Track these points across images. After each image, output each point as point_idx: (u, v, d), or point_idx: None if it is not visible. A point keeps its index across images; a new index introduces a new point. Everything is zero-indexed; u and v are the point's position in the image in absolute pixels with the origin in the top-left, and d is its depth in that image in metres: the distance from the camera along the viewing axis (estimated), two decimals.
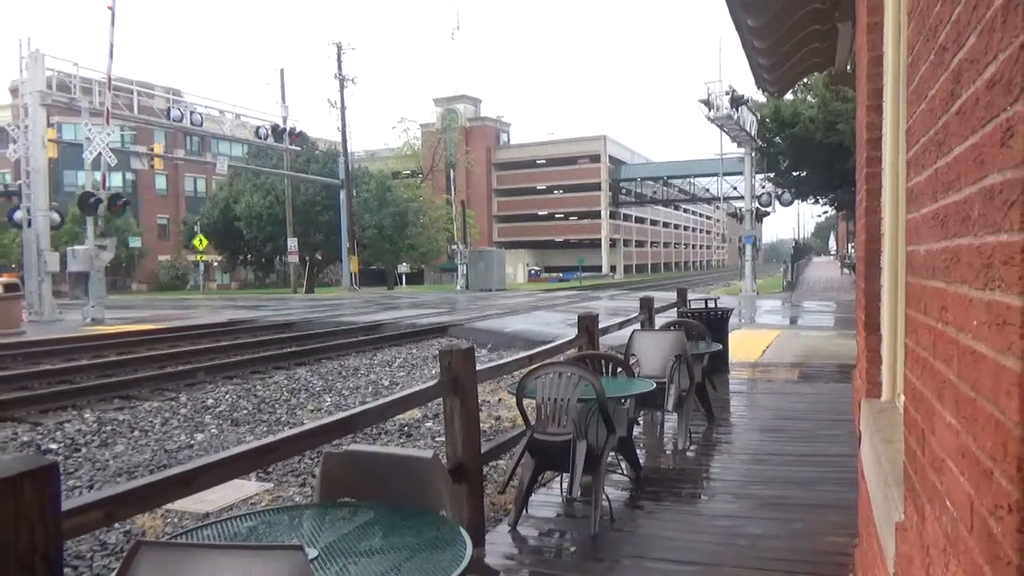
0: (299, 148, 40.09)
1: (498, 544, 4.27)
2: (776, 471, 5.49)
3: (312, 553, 2.19)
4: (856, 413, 3.42)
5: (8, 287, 18.64)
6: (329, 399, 9.56)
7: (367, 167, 52.09)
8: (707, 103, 24.49)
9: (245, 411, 8.86)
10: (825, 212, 42.01)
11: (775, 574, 3.70)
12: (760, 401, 8.22)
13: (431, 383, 4.24)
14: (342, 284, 43.20)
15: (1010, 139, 0.84)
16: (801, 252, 50.54)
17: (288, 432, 3.01)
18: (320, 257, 49.39)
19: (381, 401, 3.64)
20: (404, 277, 53.63)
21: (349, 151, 42.75)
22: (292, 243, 41.78)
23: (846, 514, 4.33)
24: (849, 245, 44.30)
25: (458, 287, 42.04)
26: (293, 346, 14.37)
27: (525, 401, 4.65)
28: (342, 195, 40.77)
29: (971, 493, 1.02)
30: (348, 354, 13.59)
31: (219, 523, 2.45)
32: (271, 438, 2.93)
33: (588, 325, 6.61)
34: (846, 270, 45.75)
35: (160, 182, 60.03)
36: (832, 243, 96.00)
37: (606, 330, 7.35)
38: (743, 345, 12.11)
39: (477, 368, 4.39)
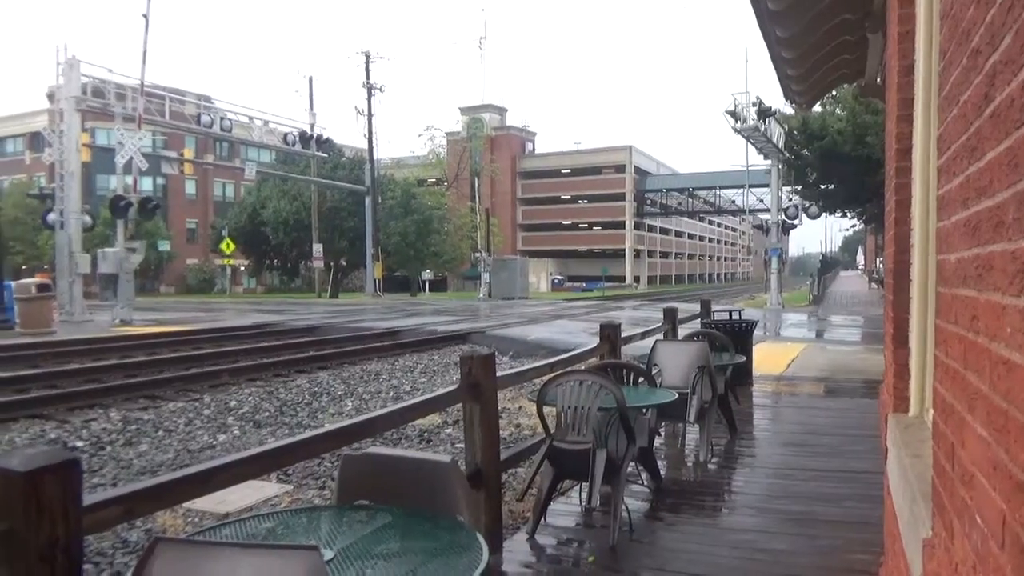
0: (326, 155, 40.53)
1: (515, 552, 4.25)
2: (800, 486, 5.40)
3: (328, 555, 2.19)
4: (883, 428, 3.35)
5: (40, 287, 18.97)
6: (350, 403, 9.60)
7: (392, 174, 52.48)
8: (733, 114, 24.34)
9: (267, 413, 8.92)
10: (853, 226, 41.52)
11: None
12: (784, 415, 8.10)
13: (451, 388, 4.23)
14: (366, 290, 43.43)
15: None
16: (828, 266, 49.96)
17: (307, 434, 3.02)
18: (345, 263, 49.79)
19: (401, 405, 3.65)
20: (427, 284, 53.83)
21: (375, 158, 43.10)
22: (317, 248, 42.16)
23: (871, 531, 4.24)
24: (877, 260, 43.71)
25: (481, 295, 42.10)
26: (315, 350, 14.46)
27: (545, 409, 4.62)
28: (367, 201, 41.07)
29: (1003, 508, 0.99)
30: (370, 359, 13.65)
31: (238, 522, 2.45)
32: (290, 439, 2.94)
33: (610, 334, 6.58)
34: (874, 284, 45.13)
35: (189, 187, 60.99)
36: (860, 257, 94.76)
37: (628, 339, 7.31)
38: (767, 358, 11.96)
39: (497, 375, 4.38)
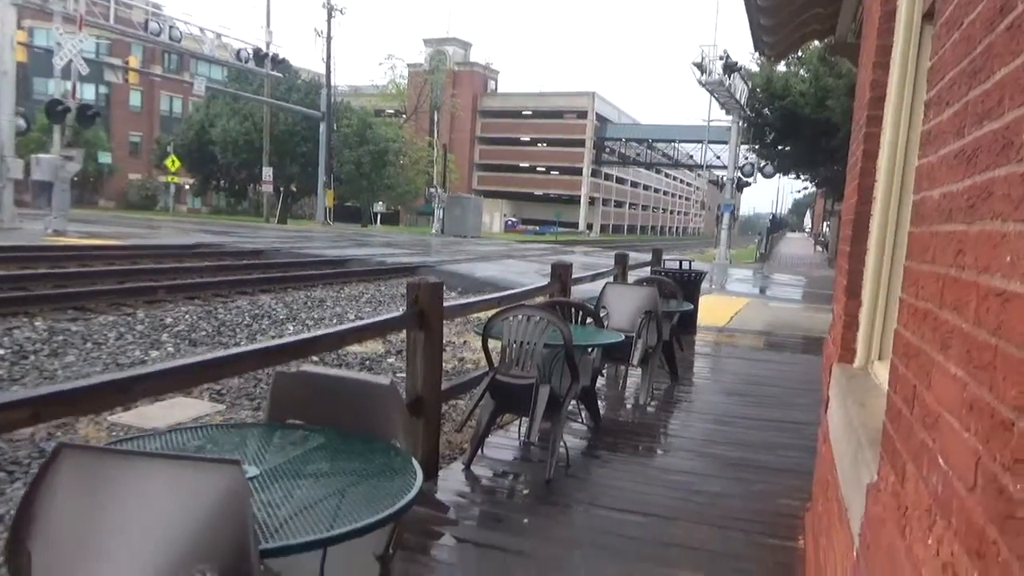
0: (281, 75, 38.96)
1: (450, 481, 4.22)
2: (737, 433, 5.49)
3: (253, 471, 2.08)
4: (825, 379, 3.37)
5: None
6: (292, 327, 9.39)
7: (349, 102, 50.91)
8: (700, 67, 24.10)
9: (204, 332, 8.67)
10: (805, 188, 42.16)
11: (731, 532, 3.69)
12: (725, 365, 8.24)
13: (397, 313, 4.11)
14: (316, 218, 42.57)
15: None
16: (777, 226, 50.86)
17: (240, 349, 2.87)
18: (295, 189, 48.54)
19: (343, 327, 3.51)
20: (379, 216, 52.97)
21: (332, 84, 41.66)
22: (267, 172, 40.90)
23: (802, 479, 4.33)
24: (824, 224, 44.64)
25: (433, 231, 41.69)
26: (259, 273, 14.09)
27: (491, 343, 4.55)
28: (322, 127, 39.86)
29: (978, 448, 0.92)
30: (315, 286, 13.36)
31: (158, 435, 2.32)
32: (221, 352, 2.79)
33: (561, 273, 6.51)
34: (819, 247, 46.20)
35: (134, 98, 58.04)
36: (808, 221, 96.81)
37: (579, 280, 7.26)
38: (712, 310, 12.13)
39: (444, 304, 4.27)
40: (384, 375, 7.19)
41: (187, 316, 9.66)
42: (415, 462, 2.19)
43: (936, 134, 1.42)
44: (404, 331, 4.22)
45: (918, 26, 2.68)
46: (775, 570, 3.30)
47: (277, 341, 3.11)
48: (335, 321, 10.04)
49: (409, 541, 3.42)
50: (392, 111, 61.26)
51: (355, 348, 8.09)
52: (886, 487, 1.49)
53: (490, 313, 4.79)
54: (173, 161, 42.12)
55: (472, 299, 5.49)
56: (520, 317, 4.42)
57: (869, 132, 2.96)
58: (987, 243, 0.99)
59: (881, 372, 2.66)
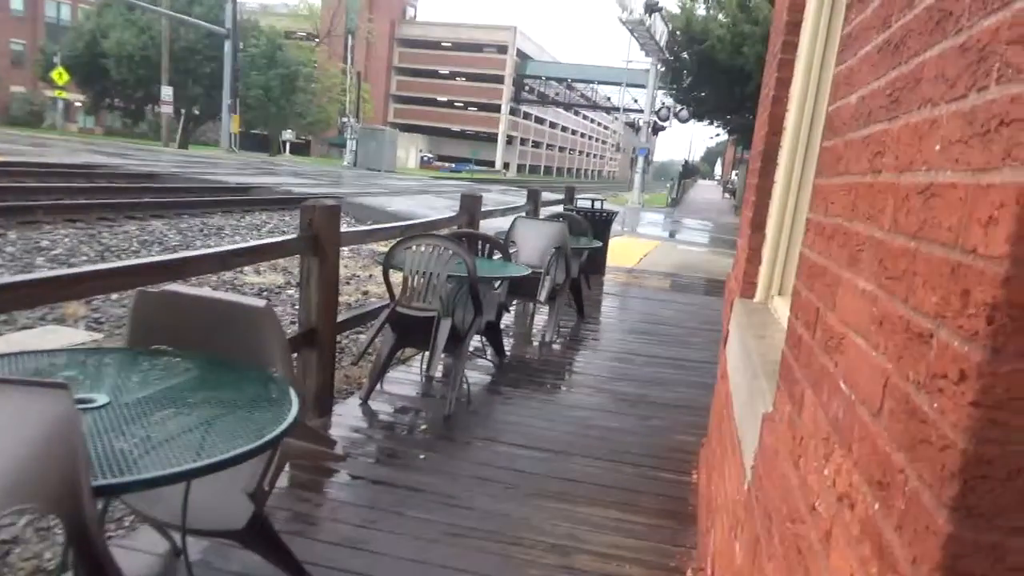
0: None
1: (345, 416, 4.04)
2: (638, 371, 5.52)
3: (103, 400, 1.84)
4: (726, 314, 3.34)
5: None
6: (180, 254, 8.84)
7: (258, 20, 47.98)
8: (622, 4, 23.86)
9: (85, 258, 8.02)
10: (718, 135, 42.92)
11: (625, 466, 3.69)
12: (631, 304, 8.31)
13: (289, 237, 3.83)
14: (220, 144, 40.32)
15: None
16: (689, 172, 51.85)
17: (103, 265, 2.56)
18: (198, 112, 45.70)
19: (224, 247, 3.22)
20: (288, 145, 50.80)
21: (238, 0, 39.03)
22: (166, 92, 38.27)
23: (699, 415, 4.39)
24: (733, 172, 45.77)
25: (345, 163, 40.36)
26: (152, 197, 13.18)
27: (394, 275, 4.34)
28: (227, 46, 37.42)
29: (887, 367, 0.81)
30: (213, 213, 12.63)
31: (2, 358, 2.04)
32: (83, 268, 2.49)
33: (470, 205, 6.32)
34: (727, 195, 47.48)
35: (15, 1, 52.89)
36: (719, 169, 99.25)
37: (489, 214, 7.10)
38: (622, 251, 12.23)
39: (342, 231, 4.01)
40: (281, 309, 6.86)
41: (67, 240, 8.92)
42: (292, 392, 2.00)
43: (857, 33, 1.30)
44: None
45: None
46: (667, 503, 3.31)
47: (147, 259, 2.80)
48: None
49: (299, 478, 3.25)
50: (304, 34, 58.21)
51: (252, 279, 7.69)
52: (781, 417, 1.41)
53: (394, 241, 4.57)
54: (60, 74, 38.78)
55: (373, 227, 5.22)
56: (424, 247, 4.22)
57: (784, 59, 2.87)
58: (912, 136, 0.86)
59: (781, 306, 2.63)
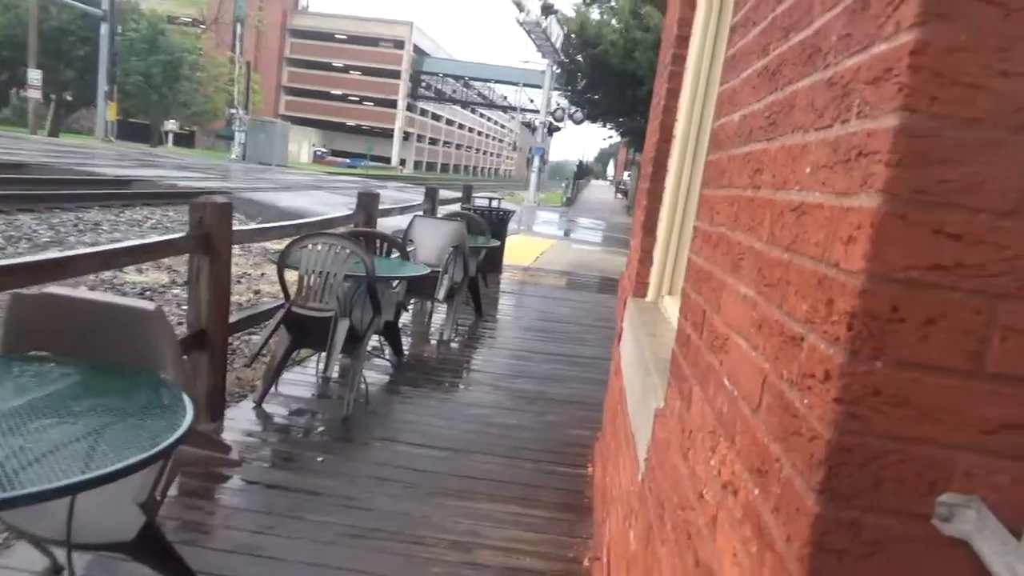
0: None
1: (239, 420, 3.93)
2: (535, 368, 5.64)
3: None
4: (620, 312, 3.48)
5: None
6: (57, 253, 8.27)
7: (138, 3, 45.32)
8: (519, 5, 24.14)
9: None
10: (611, 137, 44.12)
11: (523, 461, 3.77)
12: (527, 302, 8.44)
13: (173, 236, 3.68)
14: (96, 133, 37.84)
15: None
16: (583, 173, 53.04)
17: None
18: (71, 98, 42.73)
19: (107, 246, 3.06)
20: (171, 136, 48.30)
21: None
22: (34, 75, 35.50)
23: (594, 410, 4.53)
24: (625, 173, 47.17)
25: (233, 156, 38.79)
26: (18, 189, 12.23)
27: (289, 274, 4.24)
28: (104, 29, 35.17)
29: (764, 367, 0.90)
30: (90, 207, 11.85)
31: None
32: None
33: (367, 203, 6.25)
34: (620, 195, 48.89)
35: None
36: (611, 169, 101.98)
37: (387, 212, 7.03)
38: (519, 250, 12.40)
39: (234, 229, 3.89)
40: (168, 310, 6.54)
41: None
42: (186, 398, 1.94)
43: (740, 56, 1.40)
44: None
45: None
46: (565, 496, 3.42)
47: (24, 259, 2.63)
48: None
49: (189, 486, 3.13)
50: (189, 19, 55.47)
51: (134, 277, 7.29)
52: (672, 412, 1.50)
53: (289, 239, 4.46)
54: None
55: (266, 225, 5.09)
56: (320, 246, 4.15)
57: (674, 71, 3.01)
58: (787, 158, 0.96)
59: (671, 306, 2.77)
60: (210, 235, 3.70)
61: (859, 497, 0.66)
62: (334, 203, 17.46)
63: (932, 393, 0.65)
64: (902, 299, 0.65)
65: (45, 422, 1.80)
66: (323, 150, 68.91)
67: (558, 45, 27.42)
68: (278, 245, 7.01)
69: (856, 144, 0.71)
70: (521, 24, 24.55)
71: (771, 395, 0.86)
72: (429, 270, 5.08)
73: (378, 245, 5.31)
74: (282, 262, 4.21)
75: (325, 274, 4.11)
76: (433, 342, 6.17)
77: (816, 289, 0.76)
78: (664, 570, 1.25)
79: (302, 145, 64.47)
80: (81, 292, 2.35)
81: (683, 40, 3.00)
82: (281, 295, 4.09)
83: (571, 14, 28.33)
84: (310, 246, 4.15)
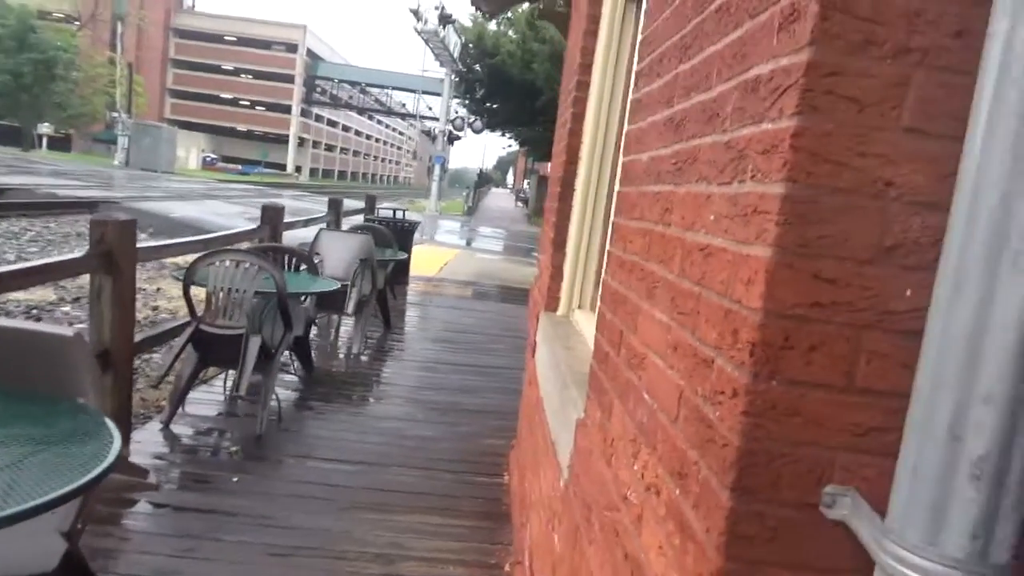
0: None
1: (146, 443, 3.83)
2: (446, 379, 5.73)
3: None
4: (532, 326, 3.63)
5: None
6: None
7: None
8: (416, 14, 24.14)
9: None
10: (510, 146, 44.69)
11: (440, 472, 3.86)
12: (435, 313, 8.52)
13: (77, 255, 3.56)
14: None
15: (792, 23, 0.82)
16: (483, 181, 53.43)
17: None
18: None
19: (6, 268, 2.94)
20: (45, 140, 45.28)
21: None
22: None
23: (506, 419, 4.68)
24: (525, 181, 47.87)
25: (116, 162, 36.82)
26: None
27: (194, 290, 4.16)
28: None
29: (681, 384, 1.05)
30: None
31: None
32: None
33: (272, 217, 6.16)
34: (519, 203, 49.54)
35: None
36: (511, 177, 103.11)
37: (291, 225, 6.94)
38: (423, 260, 12.43)
39: (138, 246, 3.80)
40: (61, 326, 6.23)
41: None
42: (110, 424, 1.93)
43: (646, 103, 1.57)
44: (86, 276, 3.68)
45: (622, 1, 2.94)
46: (483, 504, 3.53)
47: None
48: None
49: (98, 513, 3.04)
50: (62, 15, 52.22)
51: (18, 295, 6.88)
52: (593, 422, 1.65)
53: (191, 257, 4.37)
54: None
55: (170, 241, 4.96)
56: (228, 263, 4.11)
57: (579, 96, 3.19)
58: (693, 203, 1.12)
59: (581, 319, 2.94)
60: (112, 252, 3.60)
61: (763, 492, 0.82)
62: (229, 213, 16.93)
63: (816, 405, 0.81)
64: (791, 330, 0.81)
65: None
66: (213, 156, 66.25)
67: (456, 55, 27.57)
68: (177, 260, 6.80)
69: (751, 203, 0.87)
70: (419, 33, 24.54)
71: (688, 408, 1.01)
72: (339, 285, 5.09)
73: (287, 260, 5.28)
74: (188, 279, 4.13)
75: (234, 291, 4.07)
76: (342, 356, 6.15)
77: (723, 320, 0.91)
78: (592, 567, 1.39)
79: (190, 151, 61.78)
80: None
81: (586, 68, 3.19)
82: (181, 312, 4.01)
83: (468, 23, 28.61)
84: (218, 263, 4.10)
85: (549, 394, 2.43)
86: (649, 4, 1.68)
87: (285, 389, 4.95)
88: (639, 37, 2.50)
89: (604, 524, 1.35)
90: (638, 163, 1.56)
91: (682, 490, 0.98)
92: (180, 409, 4.21)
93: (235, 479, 3.51)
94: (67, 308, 6.58)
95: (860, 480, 0.81)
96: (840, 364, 0.81)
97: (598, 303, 2.62)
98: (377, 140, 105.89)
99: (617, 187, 2.26)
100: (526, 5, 12.47)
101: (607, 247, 1.80)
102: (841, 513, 0.80)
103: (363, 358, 6.12)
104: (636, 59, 1.78)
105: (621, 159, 1.84)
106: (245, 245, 5.52)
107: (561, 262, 3.26)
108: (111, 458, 1.77)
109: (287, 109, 71.56)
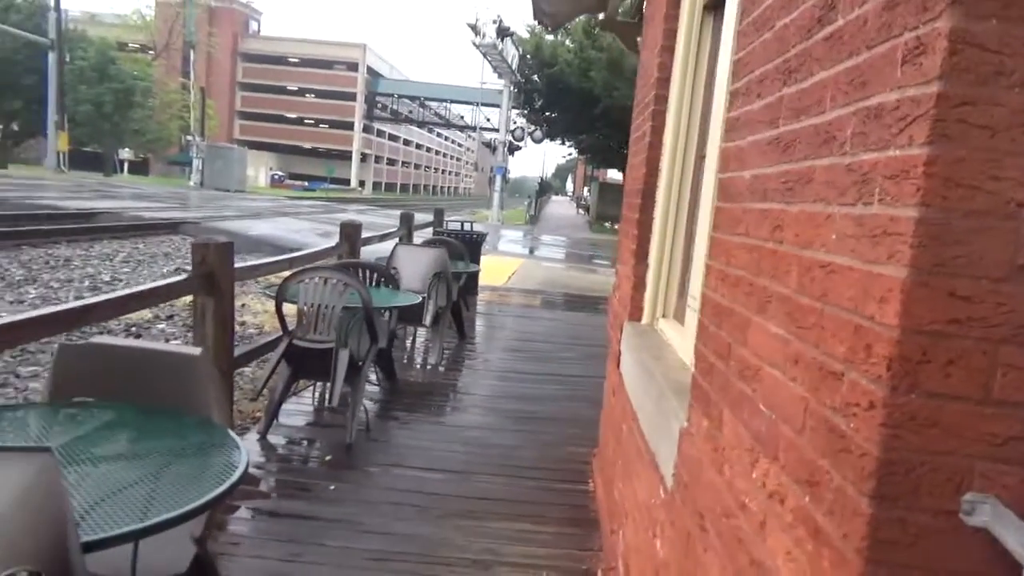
0: None
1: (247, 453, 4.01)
2: (521, 388, 5.82)
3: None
4: (614, 335, 3.68)
5: None
6: (33, 291, 8.20)
7: (85, 30, 44.69)
8: (474, 28, 24.51)
9: None
10: (570, 154, 44.71)
11: (524, 480, 3.94)
12: (505, 323, 8.63)
13: (180, 278, 3.79)
14: (46, 163, 37.09)
15: (918, 56, 0.87)
16: (544, 189, 53.57)
17: (6, 319, 2.49)
18: (18, 128, 41.86)
19: (122, 292, 3.17)
20: (126, 165, 47.56)
21: (62, 8, 36.23)
22: None
23: (583, 427, 4.73)
24: (585, 188, 47.79)
25: (191, 183, 38.38)
26: None
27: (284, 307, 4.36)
28: (51, 58, 34.62)
29: (805, 396, 1.10)
30: (57, 242, 11.73)
31: None
32: None
33: (351, 233, 6.39)
34: (581, 210, 49.48)
35: None
36: (570, 185, 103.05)
37: (367, 241, 7.16)
38: (490, 270, 12.57)
39: (235, 266, 4.02)
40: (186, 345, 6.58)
41: None
42: (235, 437, 2.08)
43: (745, 121, 1.62)
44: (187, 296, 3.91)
45: (699, 15, 2.98)
46: (569, 511, 3.60)
47: (49, 309, 2.73)
48: (87, 283, 8.94)
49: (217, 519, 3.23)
50: (138, 45, 54.82)
51: (137, 311, 7.30)
52: (698, 431, 1.70)
53: (282, 274, 4.59)
54: None
55: (263, 260, 5.20)
56: (317, 279, 4.29)
57: (657, 110, 3.24)
58: (809, 222, 1.16)
59: (667, 328, 2.98)
60: (214, 274, 3.82)
61: (903, 499, 0.87)
62: (301, 229, 17.48)
63: (954, 416, 0.86)
64: (928, 346, 0.86)
65: (103, 466, 1.93)
66: (280, 174, 68.37)
67: (514, 66, 27.86)
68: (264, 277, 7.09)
69: (880, 224, 0.92)
70: (477, 47, 24.91)
71: (814, 419, 1.06)
72: (420, 299, 5.24)
73: (368, 275, 5.46)
74: (280, 297, 4.33)
75: (322, 306, 4.25)
76: (421, 366, 6.31)
77: (853, 335, 0.96)
78: (711, 573, 1.44)
79: (259, 169, 63.92)
80: (124, 340, 2.48)
81: (663, 82, 3.24)
82: (266, 326, 4.23)
83: (525, 35, 28.84)
84: (307, 280, 4.29)
85: (642, 404, 2.48)
86: (743, 25, 1.72)
87: (369, 400, 5.11)
88: (720, 51, 2.55)
89: (722, 531, 1.40)
90: (739, 180, 1.61)
91: (812, 498, 1.03)
92: (275, 420, 4.41)
93: (332, 487, 3.66)
94: (163, 325, 6.94)
95: (1000, 488, 0.85)
96: (977, 377, 0.85)
97: (686, 312, 2.66)
98: (437, 152, 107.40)
99: (714, 202, 2.31)
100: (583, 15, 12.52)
101: (706, 260, 1.85)
102: (981, 520, 0.84)
103: (440, 368, 6.27)
104: (730, 78, 1.83)
105: (717, 175, 1.89)
106: (330, 260, 5.74)
107: (644, 272, 3.30)
108: (241, 469, 1.91)
109: (349, 126, 73.34)
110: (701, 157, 2.89)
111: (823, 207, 1.12)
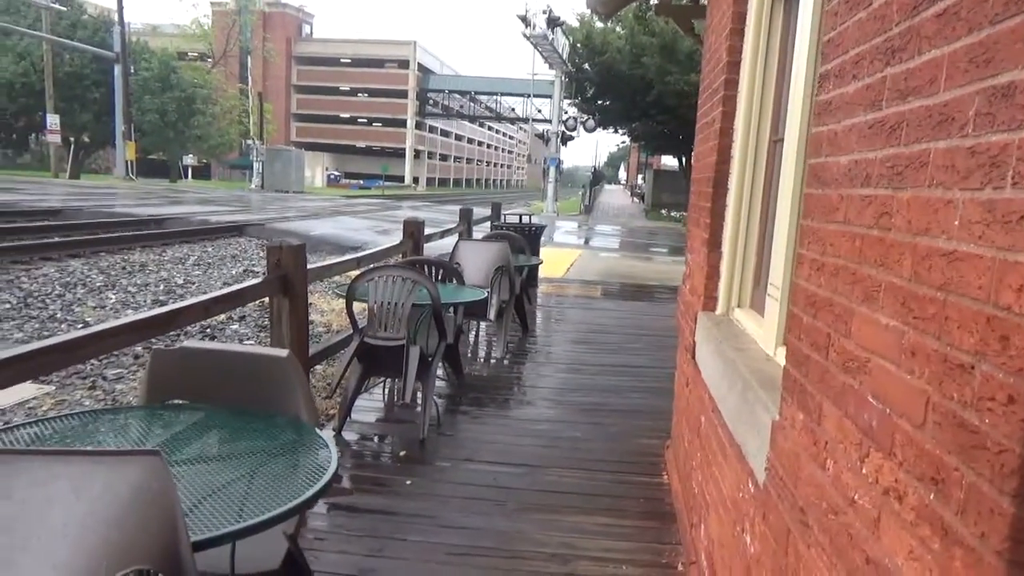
0: (63, 8, 34.55)
1: None
2: (589, 380, 5.79)
3: None
4: (686, 325, 3.63)
5: None
6: (113, 296, 8.54)
7: (147, 42, 46.25)
8: (524, 20, 24.43)
9: (7, 305, 7.67)
10: (623, 142, 44.26)
11: (598, 473, 3.92)
12: (567, 315, 8.60)
13: (257, 280, 3.89)
14: (115, 172, 38.57)
15: None
16: (598, 179, 53.20)
17: (100, 326, 2.60)
18: (88, 140, 43.63)
19: (205, 296, 3.27)
20: (189, 170, 49.09)
21: (126, 21, 37.53)
22: (52, 120, 36.32)
23: (653, 419, 4.69)
24: (639, 176, 47.24)
25: (252, 186, 39.38)
26: (62, 235, 12.60)
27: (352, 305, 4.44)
28: (117, 70, 35.93)
29: (926, 389, 1.06)
30: (132, 248, 12.19)
31: (32, 424, 2.08)
32: (80, 332, 2.51)
33: (414, 231, 6.45)
34: (635, 198, 48.96)
35: None
36: (623, 173, 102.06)
37: (428, 238, 7.23)
38: (549, 262, 12.52)
39: (308, 267, 4.10)
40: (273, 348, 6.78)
41: None
42: (325, 436, 2.12)
43: (838, 104, 1.56)
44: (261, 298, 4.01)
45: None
46: (646, 504, 3.57)
47: (137, 316, 2.83)
48: (162, 287, 9.27)
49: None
50: (197, 54, 56.45)
51: (220, 314, 7.56)
52: (794, 424, 1.66)
53: (353, 273, 4.67)
54: None
55: (333, 260, 5.31)
56: (385, 278, 4.35)
57: (728, 95, 3.17)
58: (924, 208, 1.12)
59: (744, 318, 2.92)
60: (288, 276, 3.91)
61: None
62: (360, 227, 17.75)
63: None
64: None
65: (199, 466, 1.99)
66: (337, 173, 69.62)
67: (565, 56, 27.67)
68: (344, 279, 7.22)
69: (1015, 209, 0.88)
70: (528, 38, 24.82)
71: (938, 414, 1.02)
72: (486, 294, 5.27)
73: (433, 271, 5.51)
74: (350, 296, 4.41)
75: (392, 304, 4.30)
76: (486, 360, 6.35)
77: (985, 326, 0.92)
78: (817, 569, 1.40)
79: (316, 170, 65.16)
80: (214, 344, 2.55)
81: (734, 66, 3.16)
82: (334, 324, 4.29)
83: (575, 23, 28.62)
84: (376, 278, 4.35)
85: (724, 396, 2.44)
86: (834, 4, 1.66)
87: (438, 395, 5.16)
88: (797, 33, 2.47)
89: (829, 527, 1.36)
90: (835, 166, 1.55)
91: (938, 495, 0.99)
92: (348, 417, 4.49)
93: (409, 482, 3.72)
94: (236, 327, 7.15)
95: None
96: None
97: (765, 302, 2.60)
98: (488, 146, 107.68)
99: (797, 188, 2.24)
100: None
101: (796, 249, 1.80)
102: None
103: (506, 362, 6.29)
104: (817, 59, 1.77)
105: (807, 160, 1.84)
106: (396, 258, 5.81)
107: (717, 261, 3.24)
108: (332, 469, 1.95)
109: (402, 123, 74.08)
110: (775, 142, 2.82)
111: (942, 192, 1.07)
